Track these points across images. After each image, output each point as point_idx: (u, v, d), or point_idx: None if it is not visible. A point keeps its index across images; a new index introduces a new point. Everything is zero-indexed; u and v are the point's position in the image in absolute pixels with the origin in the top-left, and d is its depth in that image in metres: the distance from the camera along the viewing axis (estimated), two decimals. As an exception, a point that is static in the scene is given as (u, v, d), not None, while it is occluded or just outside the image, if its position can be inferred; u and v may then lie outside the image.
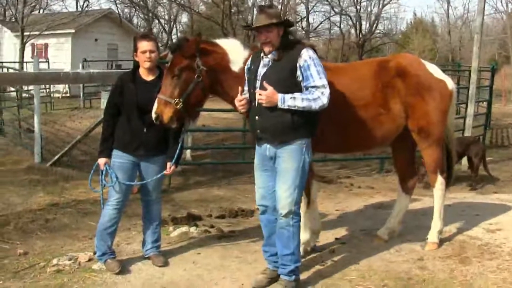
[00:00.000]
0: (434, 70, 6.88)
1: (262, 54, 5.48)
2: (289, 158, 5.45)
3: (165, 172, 6.21)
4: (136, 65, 6.25)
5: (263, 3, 37.79)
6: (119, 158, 6.11)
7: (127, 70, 6.52)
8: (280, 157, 5.46)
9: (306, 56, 5.36)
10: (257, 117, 5.43)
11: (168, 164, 6.17)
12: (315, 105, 5.30)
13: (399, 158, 7.33)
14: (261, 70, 5.45)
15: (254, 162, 5.75)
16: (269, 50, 5.39)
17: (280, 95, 5.22)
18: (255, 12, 37.62)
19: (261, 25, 5.32)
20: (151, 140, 6.07)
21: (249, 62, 5.70)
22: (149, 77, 6.15)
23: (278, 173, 5.50)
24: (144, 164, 6.19)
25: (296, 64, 5.33)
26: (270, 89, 5.21)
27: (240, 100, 5.50)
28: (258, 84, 5.41)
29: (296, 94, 5.28)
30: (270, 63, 5.42)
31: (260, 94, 5.24)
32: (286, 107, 5.25)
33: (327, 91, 5.33)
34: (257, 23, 5.37)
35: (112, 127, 6.14)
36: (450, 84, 6.90)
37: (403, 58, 6.99)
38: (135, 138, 6.05)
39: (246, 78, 5.68)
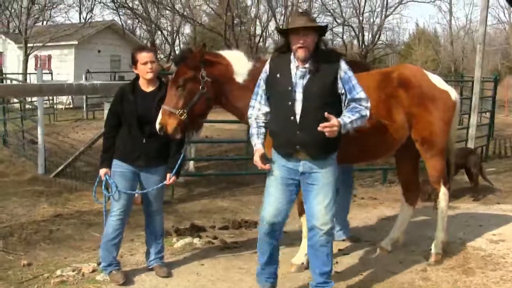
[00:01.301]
0: (437, 80, 6.90)
1: (296, 64, 5.24)
2: (328, 173, 5.35)
3: (165, 182, 6.22)
4: (137, 76, 6.27)
5: (265, 15, 37.99)
6: (120, 167, 6.13)
7: (128, 82, 6.55)
8: (319, 172, 5.30)
9: (346, 67, 5.29)
10: (298, 132, 5.18)
11: (168, 175, 6.19)
12: (365, 121, 5.30)
13: (403, 169, 7.32)
14: (299, 82, 5.20)
15: (264, 173, 5.55)
16: (305, 55, 5.14)
17: (340, 122, 5.02)
18: (257, 23, 37.82)
19: (302, 26, 5.11)
20: (151, 150, 6.09)
21: (268, 69, 5.42)
22: (149, 88, 6.17)
23: (314, 189, 5.33)
24: (145, 175, 6.20)
25: (337, 76, 5.22)
26: (333, 120, 4.96)
27: (259, 162, 5.23)
28: (298, 96, 5.17)
29: (349, 116, 5.13)
30: (308, 74, 5.21)
31: (324, 128, 4.93)
32: (344, 132, 5.11)
33: (369, 104, 5.32)
34: (297, 24, 5.14)
35: (113, 137, 6.18)
36: (453, 94, 6.91)
37: (406, 68, 7.00)
38: (135, 148, 6.07)
39: (270, 88, 5.38)
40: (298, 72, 5.22)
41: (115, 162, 6.15)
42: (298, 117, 5.17)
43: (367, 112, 5.26)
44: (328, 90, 5.17)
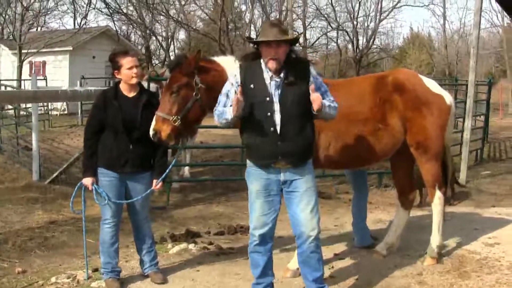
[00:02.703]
0: (432, 85, 6.92)
1: (270, 74, 5.23)
2: (309, 178, 5.40)
3: (153, 188, 6.19)
4: (118, 81, 6.19)
5: (260, 20, 38.00)
6: (106, 176, 6.04)
7: (108, 88, 6.46)
8: (300, 178, 5.34)
9: (315, 73, 5.38)
10: (279, 142, 5.20)
11: (155, 180, 6.16)
12: (335, 114, 5.39)
13: (398, 173, 7.34)
14: (275, 92, 5.21)
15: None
16: (276, 67, 5.18)
17: (323, 101, 5.15)
18: (252, 28, 37.82)
19: (275, 39, 5.12)
20: (137, 156, 6.05)
21: (239, 77, 5.36)
22: (131, 94, 6.12)
23: (296, 196, 5.36)
24: (130, 182, 6.14)
25: (309, 82, 5.25)
26: (316, 94, 5.06)
27: (240, 99, 5.05)
28: (276, 107, 5.19)
29: (327, 100, 5.27)
30: (282, 84, 5.22)
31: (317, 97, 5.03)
32: (324, 114, 5.21)
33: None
34: (269, 36, 5.14)
35: (96, 144, 6.07)
36: (448, 98, 6.92)
37: (401, 73, 7.02)
38: (122, 155, 6.00)
39: (246, 98, 5.16)
40: (272, 83, 5.24)
41: (101, 170, 6.06)
42: (278, 127, 5.19)
43: (337, 106, 5.37)
44: (304, 98, 5.18)
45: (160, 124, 5.67)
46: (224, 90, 5.44)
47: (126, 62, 6.00)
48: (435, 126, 6.72)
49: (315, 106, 5.07)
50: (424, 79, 6.99)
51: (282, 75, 5.24)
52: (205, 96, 5.75)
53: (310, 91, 5.08)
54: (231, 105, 5.22)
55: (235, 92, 5.21)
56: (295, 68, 5.29)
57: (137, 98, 6.09)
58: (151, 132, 5.69)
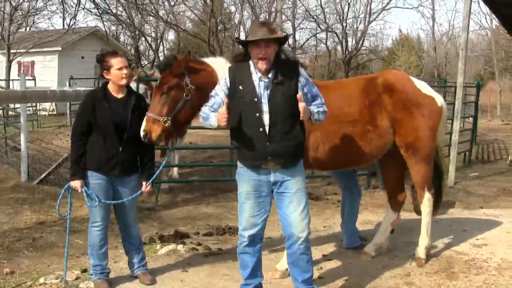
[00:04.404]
0: (423, 86, 6.92)
1: (259, 75, 5.25)
2: (299, 179, 5.41)
3: (142, 190, 6.18)
4: (106, 82, 6.15)
5: (249, 21, 38.04)
6: (96, 179, 5.99)
7: (95, 88, 6.41)
8: (291, 179, 5.35)
9: (305, 74, 5.39)
10: (268, 143, 5.21)
11: (144, 182, 6.16)
12: (324, 118, 5.42)
13: (388, 175, 7.34)
14: (264, 93, 5.22)
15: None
16: (266, 67, 5.18)
17: (310, 108, 5.22)
18: (241, 29, 37.87)
19: (264, 38, 5.12)
20: (126, 159, 6.01)
21: (228, 79, 5.38)
22: (119, 95, 6.09)
23: (287, 197, 5.38)
24: (118, 185, 6.10)
25: (298, 83, 5.27)
26: (303, 104, 5.08)
27: (225, 113, 5.08)
28: (265, 107, 5.19)
29: (316, 107, 5.31)
30: (271, 85, 5.23)
31: (304, 107, 5.06)
32: (313, 121, 5.29)
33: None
34: (258, 35, 5.14)
35: (83, 145, 5.99)
36: (439, 100, 6.93)
37: (391, 74, 7.04)
38: (111, 157, 5.95)
39: (233, 99, 5.27)
40: (261, 83, 5.24)
41: (90, 173, 5.99)
42: (267, 128, 5.20)
43: (326, 111, 5.41)
44: (293, 98, 5.17)
45: (151, 125, 5.68)
46: (213, 92, 5.45)
47: (116, 62, 5.97)
48: (425, 128, 6.72)
49: (303, 117, 5.13)
50: (415, 80, 6.99)
51: (270, 75, 5.25)
52: (195, 97, 5.77)
53: (298, 100, 5.08)
54: (218, 110, 5.26)
55: (222, 103, 5.23)
56: (284, 69, 5.30)
57: (126, 99, 6.06)
58: (141, 133, 5.71)
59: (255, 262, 5.58)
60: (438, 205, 7.34)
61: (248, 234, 5.47)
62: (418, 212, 7.24)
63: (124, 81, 6.02)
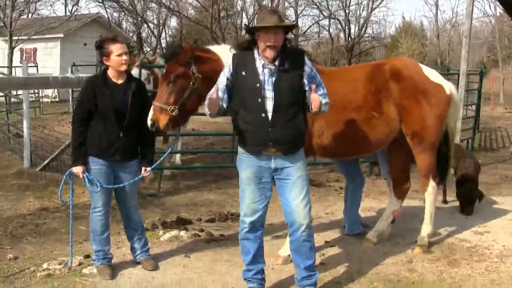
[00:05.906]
0: (432, 74, 6.86)
1: (262, 62, 5.24)
2: (300, 167, 5.41)
3: (143, 175, 6.21)
4: (105, 68, 6.13)
5: (251, 8, 37.94)
6: (97, 164, 5.99)
7: (95, 74, 6.40)
8: (291, 166, 5.35)
9: (310, 63, 5.39)
10: (270, 129, 5.21)
11: (144, 169, 6.18)
12: (327, 110, 5.44)
13: (394, 163, 7.28)
14: (268, 79, 5.21)
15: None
16: (273, 55, 5.17)
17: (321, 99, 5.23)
18: (244, 15, 37.75)
19: (277, 25, 5.13)
20: (126, 144, 6.02)
21: (231, 66, 5.40)
22: (119, 80, 6.07)
23: (288, 184, 5.38)
24: (119, 171, 6.11)
25: (303, 72, 5.28)
26: (315, 95, 5.14)
27: (214, 98, 5.17)
28: (268, 94, 5.19)
29: (323, 98, 5.32)
30: (277, 72, 5.22)
31: (315, 98, 5.13)
32: (321, 111, 5.30)
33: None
34: (270, 23, 5.12)
35: (85, 131, 5.98)
36: (448, 88, 6.87)
37: (399, 60, 7.02)
38: (112, 143, 5.96)
39: (236, 85, 5.33)
40: (266, 70, 5.23)
41: (91, 159, 5.99)
42: (270, 114, 5.20)
43: (329, 102, 5.42)
44: (297, 87, 5.24)
45: (158, 114, 5.69)
46: (218, 81, 5.44)
47: (116, 48, 5.95)
48: (432, 116, 6.68)
49: (313, 106, 5.15)
50: (424, 68, 6.93)
51: (276, 63, 5.23)
52: (202, 86, 5.76)
53: (311, 91, 5.14)
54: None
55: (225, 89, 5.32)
56: (290, 57, 5.29)
57: (126, 85, 6.06)
58: (149, 122, 5.72)
59: (256, 248, 5.60)
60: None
61: (249, 220, 5.49)
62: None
63: (124, 67, 6.01)
